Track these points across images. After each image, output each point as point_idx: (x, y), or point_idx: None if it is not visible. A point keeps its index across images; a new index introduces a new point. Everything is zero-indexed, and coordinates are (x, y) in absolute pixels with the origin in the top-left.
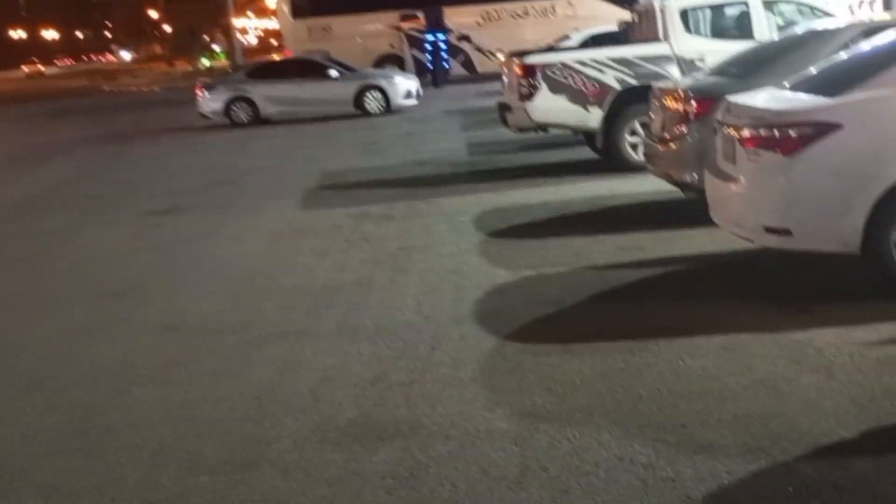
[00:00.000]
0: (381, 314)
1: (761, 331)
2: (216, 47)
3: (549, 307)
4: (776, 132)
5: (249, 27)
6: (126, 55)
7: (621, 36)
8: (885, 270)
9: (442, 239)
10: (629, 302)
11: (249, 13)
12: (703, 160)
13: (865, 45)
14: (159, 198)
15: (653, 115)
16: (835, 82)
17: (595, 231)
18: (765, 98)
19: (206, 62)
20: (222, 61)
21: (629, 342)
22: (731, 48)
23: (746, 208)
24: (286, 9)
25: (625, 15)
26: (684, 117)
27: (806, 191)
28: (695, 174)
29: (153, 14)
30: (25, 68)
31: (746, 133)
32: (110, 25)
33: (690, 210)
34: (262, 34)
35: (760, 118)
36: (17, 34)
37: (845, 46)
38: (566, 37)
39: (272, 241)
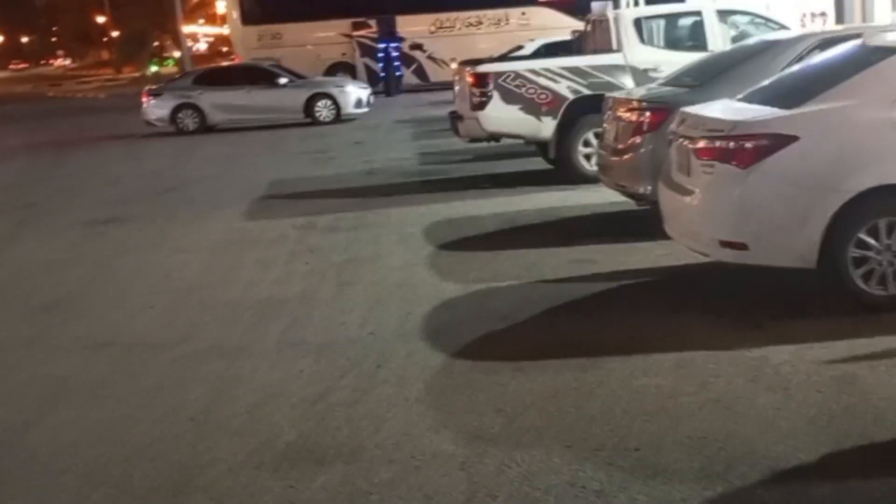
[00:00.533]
0: (324, 330)
1: (716, 347)
2: (169, 54)
3: (499, 322)
4: (732, 144)
5: (200, 34)
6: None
7: (575, 46)
8: (841, 286)
9: (390, 251)
10: (582, 317)
11: (200, 20)
12: (658, 172)
13: (821, 57)
14: (100, 206)
15: (606, 126)
16: (791, 94)
17: (547, 243)
18: (720, 109)
19: (154, 69)
20: (171, 68)
21: (582, 359)
22: (686, 59)
23: (701, 221)
24: (236, 15)
25: (579, 25)
26: (638, 128)
27: (762, 204)
28: (648, 186)
29: (100, 19)
30: None
31: (701, 145)
32: (56, 30)
33: (644, 222)
34: (212, 41)
35: (716, 130)
36: None
37: (800, 58)
38: (520, 46)
39: (215, 253)
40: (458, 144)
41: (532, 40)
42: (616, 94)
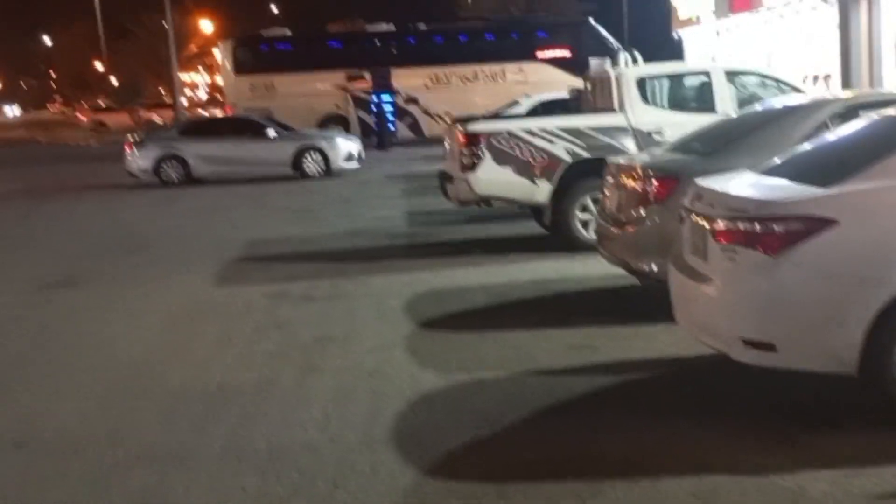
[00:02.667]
0: (278, 431)
1: (742, 471)
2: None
3: (483, 426)
4: (758, 227)
5: (200, 82)
6: (9, 111)
7: (572, 104)
8: (887, 395)
9: (365, 328)
10: (579, 424)
11: (200, 68)
12: (665, 248)
13: (854, 127)
14: (58, 265)
15: (607, 193)
16: (825, 170)
17: (540, 323)
18: (742, 184)
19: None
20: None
21: (579, 483)
22: (692, 121)
23: (720, 315)
24: (228, 65)
25: (576, 82)
26: (643, 198)
27: (793, 298)
28: (654, 263)
29: (99, 66)
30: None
31: (721, 226)
32: (55, 76)
33: (648, 301)
34: (209, 89)
35: (738, 209)
36: None
37: (824, 126)
38: (515, 102)
39: (171, 325)
40: (450, 204)
41: (528, 96)
42: (619, 160)
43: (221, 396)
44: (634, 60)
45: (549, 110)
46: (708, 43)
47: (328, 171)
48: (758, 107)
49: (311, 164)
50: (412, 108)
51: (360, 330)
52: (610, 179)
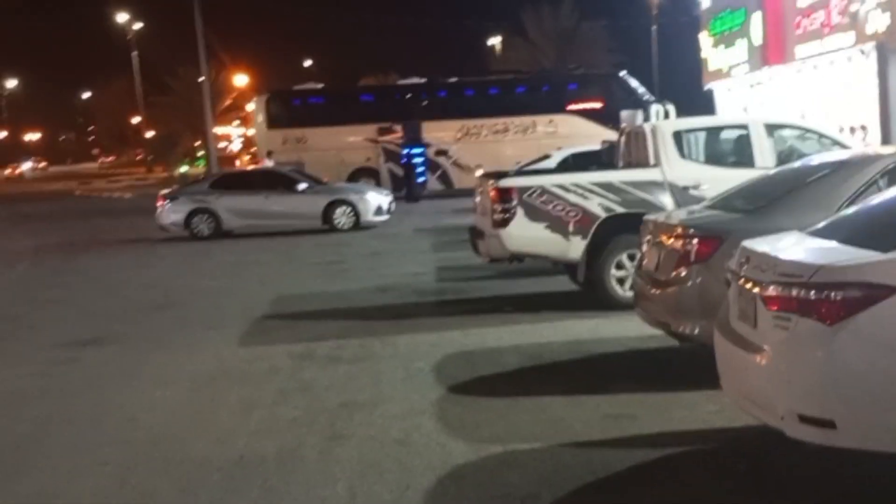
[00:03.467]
0: None
1: None
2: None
3: None
4: (814, 293)
5: (235, 135)
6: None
7: (604, 156)
8: None
9: (393, 392)
10: (621, 503)
11: (235, 121)
12: (708, 311)
13: None
14: (86, 323)
15: (645, 251)
16: (882, 232)
17: (576, 388)
18: (793, 247)
19: (184, 168)
20: (202, 168)
21: None
22: (730, 176)
23: (772, 388)
24: (261, 118)
25: (607, 134)
26: (684, 258)
27: (853, 371)
28: (696, 326)
29: (136, 119)
30: (6, 171)
31: (773, 291)
32: (93, 129)
33: (689, 365)
34: (244, 142)
35: (791, 274)
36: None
37: (874, 184)
38: (546, 156)
39: (196, 389)
40: (479, 258)
41: (559, 149)
42: (657, 217)
43: (242, 468)
44: (667, 113)
45: (580, 163)
46: (740, 95)
47: (358, 224)
48: (801, 162)
49: (342, 217)
50: (442, 161)
51: (387, 394)
52: (648, 237)
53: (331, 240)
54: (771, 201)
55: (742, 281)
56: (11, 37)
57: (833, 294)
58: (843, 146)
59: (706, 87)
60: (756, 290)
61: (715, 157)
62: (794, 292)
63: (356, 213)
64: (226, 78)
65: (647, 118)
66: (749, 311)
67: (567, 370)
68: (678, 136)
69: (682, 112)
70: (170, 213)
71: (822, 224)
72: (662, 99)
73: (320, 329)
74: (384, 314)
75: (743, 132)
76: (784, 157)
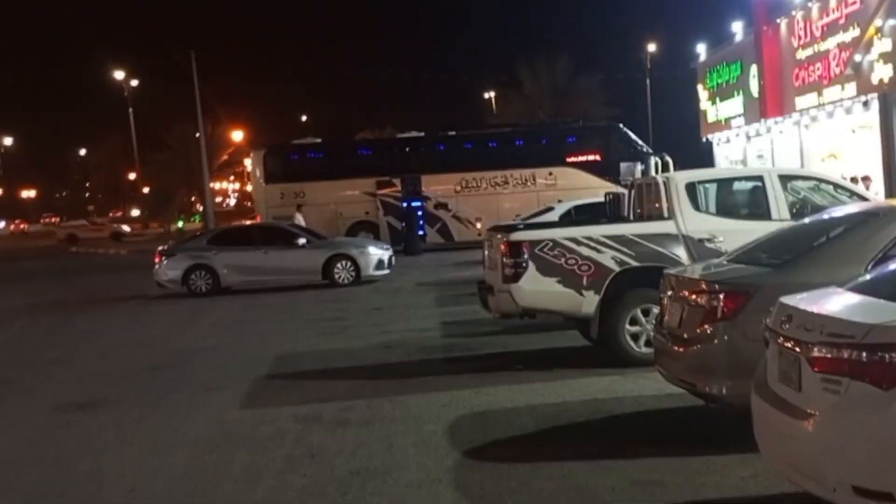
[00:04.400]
0: None
1: None
2: (197, 210)
3: None
4: (867, 355)
5: (229, 189)
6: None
7: (610, 209)
8: None
9: (406, 458)
10: None
11: (231, 176)
12: (736, 369)
13: None
14: (82, 385)
15: (666, 307)
16: None
17: (598, 453)
18: (839, 304)
19: (180, 224)
20: (197, 223)
21: None
22: (746, 228)
23: (822, 456)
24: (259, 173)
25: (606, 186)
26: (710, 314)
27: None
28: (724, 387)
29: (132, 175)
30: (11, 226)
31: (820, 353)
32: (89, 185)
33: (715, 426)
34: (240, 197)
35: (842, 334)
36: None
37: None
38: (549, 208)
39: (198, 455)
40: (485, 312)
41: (560, 201)
42: (678, 272)
43: None
44: (665, 165)
45: (583, 216)
46: (738, 146)
47: (359, 278)
48: (824, 214)
49: (342, 271)
50: (441, 214)
51: (399, 461)
52: (669, 292)
53: (332, 295)
54: (798, 254)
55: (783, 340)
56: (8, 94)
57: (888, 356)
58: (862, 197)
59: (704, 139)
60: (800, 350)
61: (729, 208)
62: (846, 354)
63: (357, 268)
64: (222, 133)
65: (645, 170)
66: (792, 373)
67: (587, 432)
68: (692, 188)
69: (680, 163)
70: (167, 269)
71: (862, 279)
72: (659, 151)
73: (327, 389)
74: (392, 373)
75: (757, 183)
76: (799, 208)
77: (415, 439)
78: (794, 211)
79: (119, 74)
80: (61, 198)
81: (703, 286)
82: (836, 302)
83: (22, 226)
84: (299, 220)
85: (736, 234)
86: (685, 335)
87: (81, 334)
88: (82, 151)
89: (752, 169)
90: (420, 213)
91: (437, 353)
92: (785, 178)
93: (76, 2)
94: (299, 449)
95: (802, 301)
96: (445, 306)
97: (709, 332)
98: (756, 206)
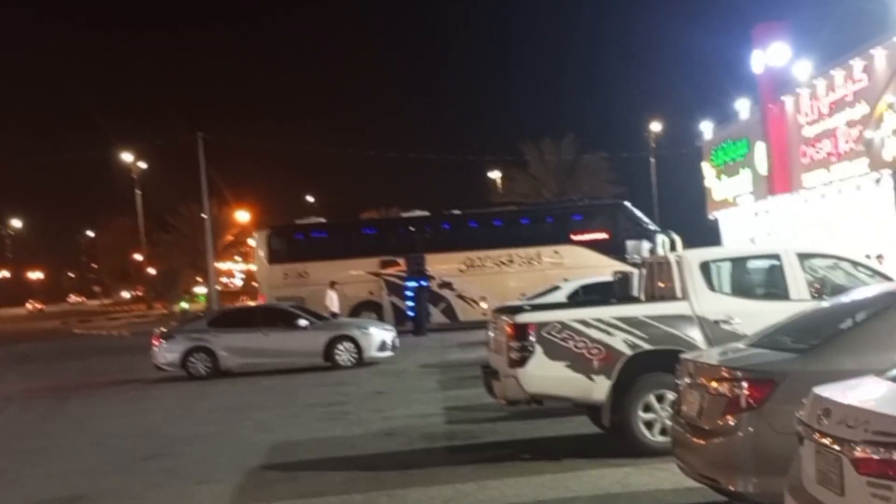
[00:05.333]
0: None
1: None
2: (198, 290)
3: None
4: None
5: (236, 270)
6: None
7: (616, 288)
8: None
9: None
10: None
11: (237, 257)
12: (763, 464)
13: None
14: (67, 478)
15: (683, 395)
16: None
17: None
18: (884, 397)
19: (184, 305)
20: (202, 304)
21: None
22: (764, 309)
23: None
24: (262, 253)
25: (612, 264)
26: (733, 404)
27: None
28: (750, 484)
29: (138, 257)
30: (29, 305)
31: (866, 453)
32: (95, 267)
33: None
34: (245, 277)
35: (890, 433)
36: (1, 274)
37: None
38: (555, 287)
39: None
40: (489, 397)
41: (566, 280)
42: (696, 357)
43: None
44: (673, 243)
45: (591, 295)
46: (746, 224)
47: (361, 360)
48: (848, 295)
49: (344, 353)
50: (446, 293)
51: None
52: (686, 379)
53: (333, 378)
54: (826, 339)
55: (820, 437)
56: (15, 178)
57: None
58: (886, 277)
59: (711, 216)
60: (841, 450)
61: (746, 288)
62: None
63: (359, 349)
64: (227, 214)
65: (653, 248)
66: (833, 475)
67: None
68: (706, 267)
69: (686, 241)
70: (165, 352)
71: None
72: (665, 228)
73: (322, 482)
74: (392, 464)
75: (774, 262)
76: (819, 288)
77: None
78: (814, 291)
79: (127, 157)
80: (69, 279)
81: (725, 373)
82: (879, 394)
83: (39, 306)
84: (332, 298)
85: (753, 315)
86: (706, 426)
87: (73, 421)
88: (90, 233)
89: (768, 247)
90: (425, 293)
91: (439, 441)
92: (803, 257)
93: (85, 87)
94: None
95: (840, 393)
96: (449, 389)
97: (732, 423)
98: (773, 285)
